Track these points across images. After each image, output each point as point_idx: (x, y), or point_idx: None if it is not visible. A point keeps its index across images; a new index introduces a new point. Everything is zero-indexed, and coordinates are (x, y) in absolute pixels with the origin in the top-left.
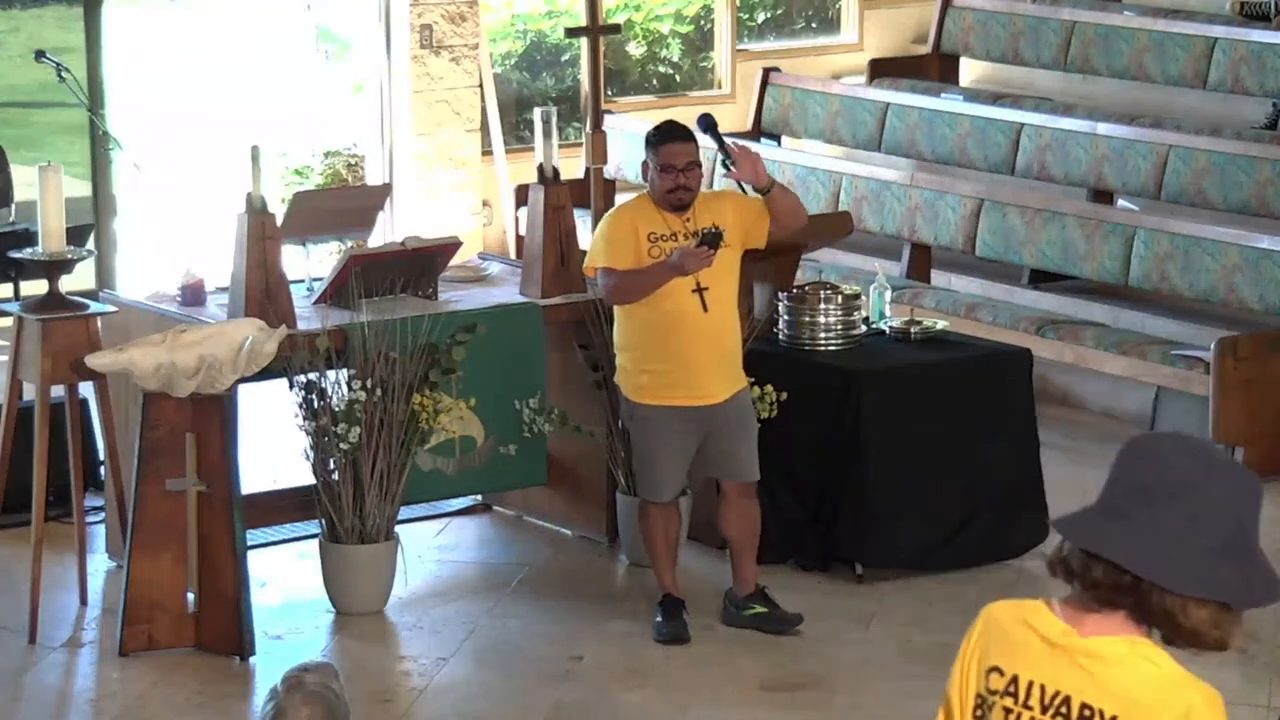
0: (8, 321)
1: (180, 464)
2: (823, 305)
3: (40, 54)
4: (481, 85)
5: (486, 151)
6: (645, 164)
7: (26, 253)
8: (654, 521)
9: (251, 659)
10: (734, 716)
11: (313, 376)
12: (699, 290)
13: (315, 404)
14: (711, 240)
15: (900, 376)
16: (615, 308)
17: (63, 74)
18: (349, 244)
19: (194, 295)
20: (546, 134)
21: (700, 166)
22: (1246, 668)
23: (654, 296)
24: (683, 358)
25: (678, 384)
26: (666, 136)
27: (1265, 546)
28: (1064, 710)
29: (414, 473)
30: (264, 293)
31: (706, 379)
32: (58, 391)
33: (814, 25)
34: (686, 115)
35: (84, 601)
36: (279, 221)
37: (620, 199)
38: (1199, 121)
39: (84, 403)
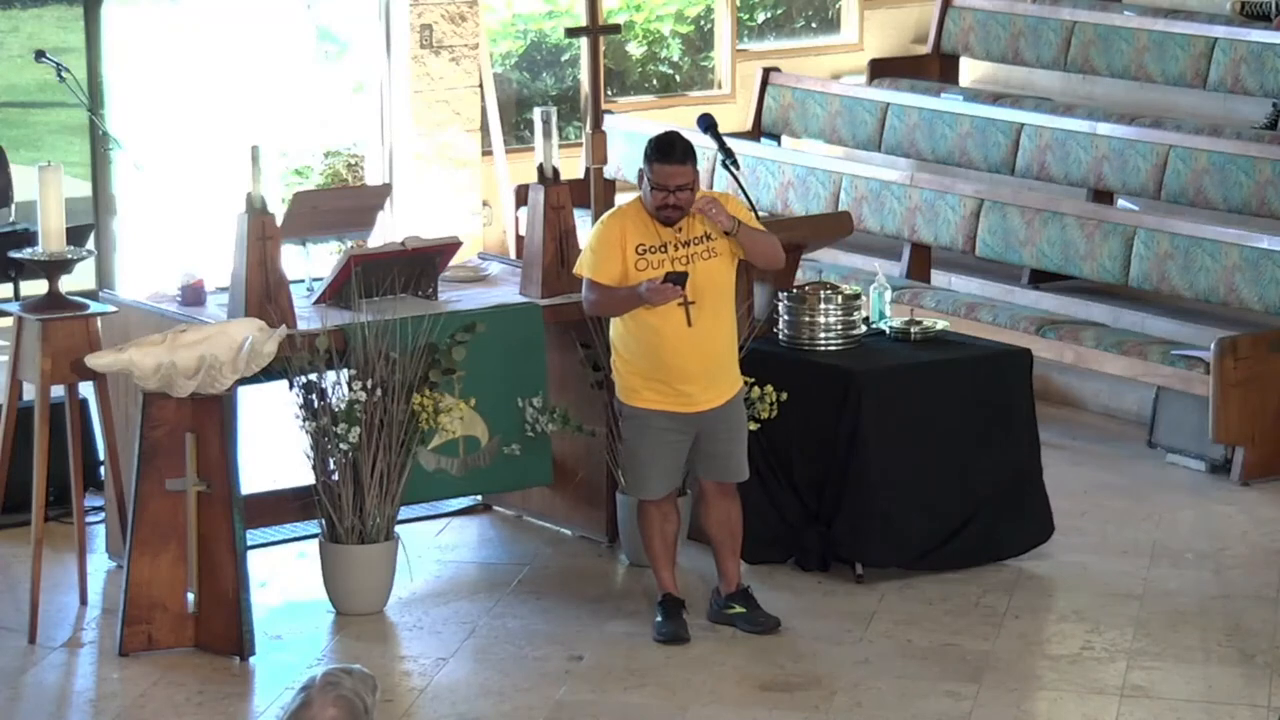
0: (8, 321)
1: (180, 464)
2: (823, 305)
3: (40, 54)
4: (481, 85)
5: (486, 151)
6: (641, 173)
7: (26, 253)
8: (650, 520)
9: (251, 659)
10: (734, 716)
11: (313, 376)
12: (685, 304)
13: (315, 404)
14: (677, 280)
15: (900, 376)
16: None
17: (63, 74)
18: (349, 244)
19: (194, 295)
20: (546, 134)
21: (693, 189)
22: (1246, 668)
23: (640, 309)
24: (669, 368)
25: (665, 391)
26: (664, 156)
27: (1265, 546)
28: None
29: (419, 472)
30: (264, 293)
31: (693, 388)
32: (58, 391)
33: (814, 25)
34: (686, 115)
35: (84, 601)
36: (279, 221)
37: (620, 199)
38: (1199, 121)
39: (84, 403)
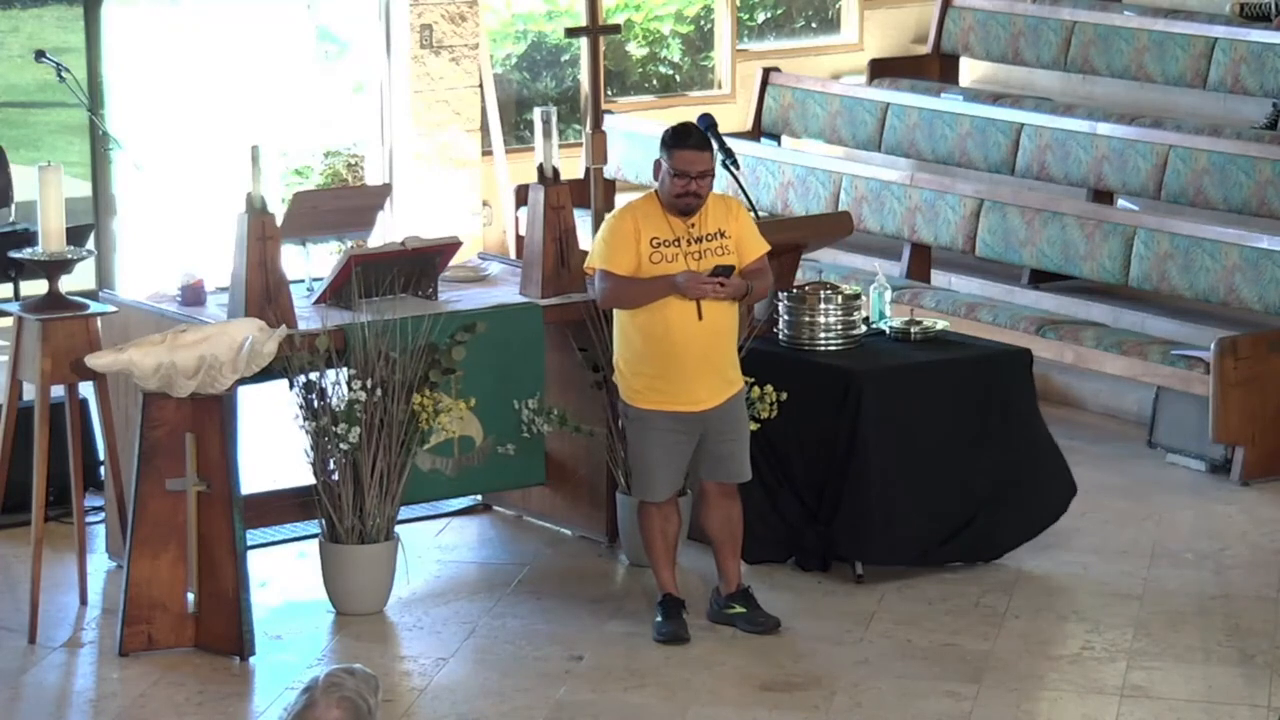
0: (8, 321)
1: (180, 464)
2: (823, 305)
3: (40, 54)
4: (481, 85)
5: (486, 151)
6: (658, 163)
7: (26, 253)
8: (652, 521)
9: (251, 659)
10: (734, 716)
11: (313, 376)
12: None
13: (315, 404)
14: (724, 274)
15: (900, 376)
16: (614, 310)
17: (63, 74)
18: (349, 244)
19: (194, 295)
20: (546, 134)
21: (713, 175)
22: (1246, 668)
23: (653, 304)
24: (674, 364)
25: (669, 390)
26: (682, 142)
27: (1265, 546)
28: None
29: (414, 473)
30: (264, 293)
31: (697, 386)
32: (58, 391)
33: (814, 25)
34: (686, 115)
35: (84, 601)
36: (279, 221)
37: (620, 199)
38: (1199, 121)
39: (84, 403)
